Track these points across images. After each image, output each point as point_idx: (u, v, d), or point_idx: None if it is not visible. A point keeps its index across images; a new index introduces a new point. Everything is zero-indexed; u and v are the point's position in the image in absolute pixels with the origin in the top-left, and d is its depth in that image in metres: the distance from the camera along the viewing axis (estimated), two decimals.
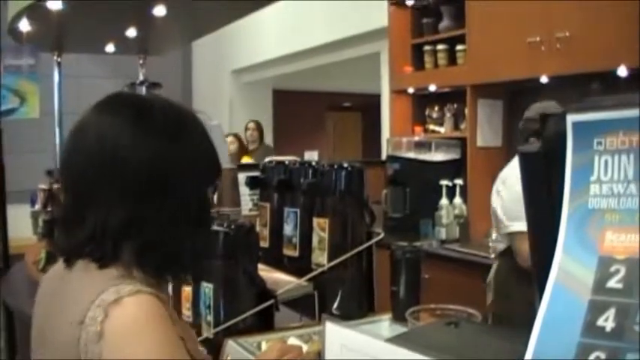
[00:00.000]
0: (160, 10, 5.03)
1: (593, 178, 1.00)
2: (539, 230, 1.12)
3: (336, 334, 1.09)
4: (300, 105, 12.11)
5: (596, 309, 0.95)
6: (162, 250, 1.34)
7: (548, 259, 1.02)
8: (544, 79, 4.52)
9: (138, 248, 1.33)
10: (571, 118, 1.02)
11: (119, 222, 1.31)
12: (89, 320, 1.23)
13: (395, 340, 1.13)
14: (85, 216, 1.34)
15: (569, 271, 1.00)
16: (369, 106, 10.67)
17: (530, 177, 1.11)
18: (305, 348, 1.92)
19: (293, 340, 2.03)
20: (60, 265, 1.42)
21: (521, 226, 3.40)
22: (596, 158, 1.00)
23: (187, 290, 2.29)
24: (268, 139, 10.38)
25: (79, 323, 1.24)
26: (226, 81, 10.20)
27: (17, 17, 5.49)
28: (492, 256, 4.40)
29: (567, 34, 4.16)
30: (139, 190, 1.32)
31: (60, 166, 1.43)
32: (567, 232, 1.01)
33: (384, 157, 5.85)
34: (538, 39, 4.35)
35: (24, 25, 5.50)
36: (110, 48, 6.95)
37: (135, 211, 1.32)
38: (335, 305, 2.31)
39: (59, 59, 7.09)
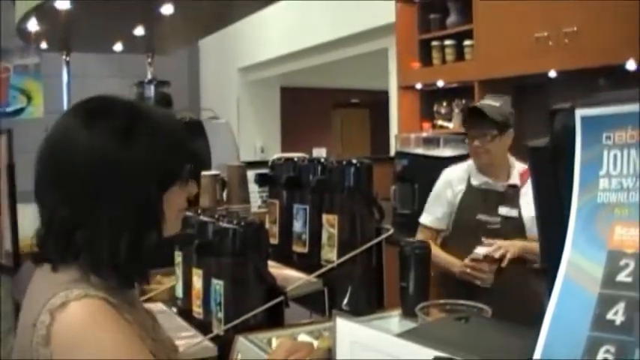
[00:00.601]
0: (167, 9, 5.03)
1: (602, 172, 1.00)
2: (548, 225, 1.12)
3: (346, 330, 1.10)
4: (308, 102, 12.09)
5: (605, 303, 0.96)
6: (100, 252, 1.34)
7: (558, 253, 1.02)
8: (552, 74, 4.52)
9: (78, 250, 1.34)
10: (580, 113, 1.02)
11: (60, 222, 1.33)
12: (39, 324, 1.26)
13: (405, 335, 1.13)
14: (41, 215, 1.37)
15: (579, 266, 1.00)
16: (376, 102, 10.65)
17: (538, 172, 1.11)
18: (315, 344, 1.93)
19: (303, 337, 2.03)
20: None
21: (422, 218, 3.48)
22: (605, 153, 1.00)
23: (197, 288, 2.30)
24: (276, 136, 10.39)
25: (32, 326, 1.27)
26: (233, 79, 10.20)
27: (25, 17, 5.50)
28: None
29: (575, 28, 4.15)
30: (81, 190, 1.33)
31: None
32: (576, 226, 1.02)
33: (392, 153, 5.84)
34: (546, 34, 4.35)
35: (32, 25, 5.52)
36: (118, 47, 6.95)
37: (75, 212, 1.33)
38: (344, 301, 2.31)
39: (67, 59, 7.10)
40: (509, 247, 3.07)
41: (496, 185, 3.25)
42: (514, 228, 3.18)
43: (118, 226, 1.34)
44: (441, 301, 1.94)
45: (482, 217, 3.22)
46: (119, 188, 1.34)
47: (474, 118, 3.26)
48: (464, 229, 3.30)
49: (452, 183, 3.41)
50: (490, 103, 3.34)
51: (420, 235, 3.42)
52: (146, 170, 1.36)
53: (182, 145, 1.45)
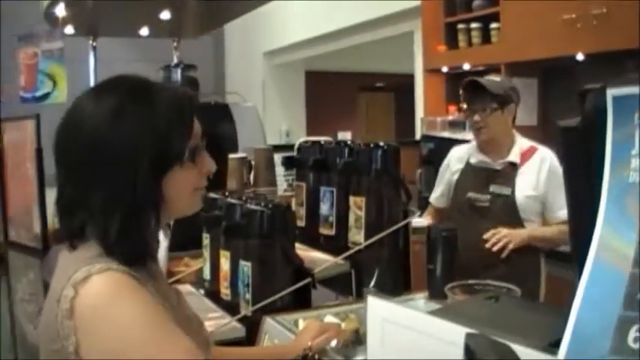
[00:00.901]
0: None
1: (634, 151, 1.00)
2: (579, 204, 1.12)
3: (378, 308, 1.11)
4: (333, 86, 12.07)
5: (637, 282, 0.96)
6: (95, 231, 1.35)
7: (588, 233, 1.02)
8: (580, 57, 4.46)
9: (78, 228, 1.36)
10: (611, 93, 1.02)
11: (64, 200, 1.37)
12: (62, 298, 1.27)
13: (437, 313, 1.14)
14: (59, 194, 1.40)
15: (610, 245, 1.00)
16: (401, 86, 10.61)
17: (569, 152, 1.11)
18: (342, 326, 1.94)
19: (329, 318, 2.05)
20: None
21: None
22: (637, 132, 0.99)
23: (225, 269, 2.32)
24: (301, 120, 10.38)
25: (57, 301, 1.29)
26: (258, 63, 10.20)
27: (53, 2, 5.53)
28: None
29: (604, 10, 4.09)
30: (79, 168, 1.36)
31: None
32: (607, 205, 1.01)
33: (417, 137, 5.84)
34: (574, 16, 4.29)
35: (60, 10, 5.54)
36: (144, 31, 6.95)
37: (75, 190, 1.36)
38: (371, 283, 2.32)
39: (94, 43, 7.13)
40: (513, 237, 3.01)
41: (493, 163, 3.21)
42: (504, 206, 3.12)
43: (111, 205, 1.34)
44: (470, 282, 1.94)
45: (472, 194, 3.20)
46: (110, 166, 1.34)
47: (474, 91, 3.21)
48: (456, 206, 3.31)
49: (450, 162, 3.44)
50: (491, 78, 3.34)
51: (425, 213, 3.45)
52: (137, 148, 1.34)
53: (183, 123, 1.41)
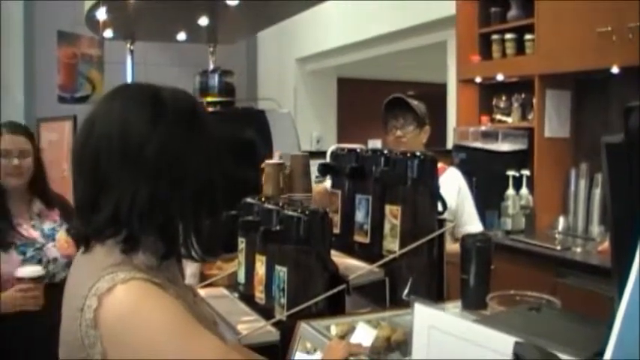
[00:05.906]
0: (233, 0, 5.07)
1: None
2: (621, 220, 1.13)
3: (424, 315, 1.13)
4: (364, 93, 12.05)
5: None
6: (187, 226, 1.42)
7: (631, 249, 1.04)
8: (614, 70, 4.45)
9: (162, 226, 1.40)
10: None
11: (142, 202, 1.37)
12: (86, 308, 1.30)
13: (483, 321, 1.16)
14: (102, 201, 1.39)
15: None
16: (432, 95, 10.57)
17: (612, 168, 1.12)
18: (374, 333, 1.96)
19: (362, 325, 2.06)
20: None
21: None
22: None
23: (261, 274, 2.34)
24: (332, 127, 10.39)
25: (79, 310, 1.31)
26: (291, 69, 10.24)
27: (94, 7, 5.61)
28: (559, 247, 4.38)
29: (639, 23, 4.08)
30: (157, 171, 1.38)
31: (72, 156, 1.48)
32: None
33: (449, 146, 5.84)
34: (609, 29, 4.28)
35: (100, 14, 5.62)
36: (181, 36, 7.01)
37: (155, 193, 1.38)
38: (405, 292, 2.33)
39: (132, 47, 7.21)
40: None
41: None
42: None
43: (200, 203, 1.44)
44: (511, 292, 1.94)
45: None
46: (195, 168, 1.43)
47: (399, 109, 3.58)
48: None
49: None
50: (412, 100, 3.63)
51: None
52: (211, 150, 1.47)
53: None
